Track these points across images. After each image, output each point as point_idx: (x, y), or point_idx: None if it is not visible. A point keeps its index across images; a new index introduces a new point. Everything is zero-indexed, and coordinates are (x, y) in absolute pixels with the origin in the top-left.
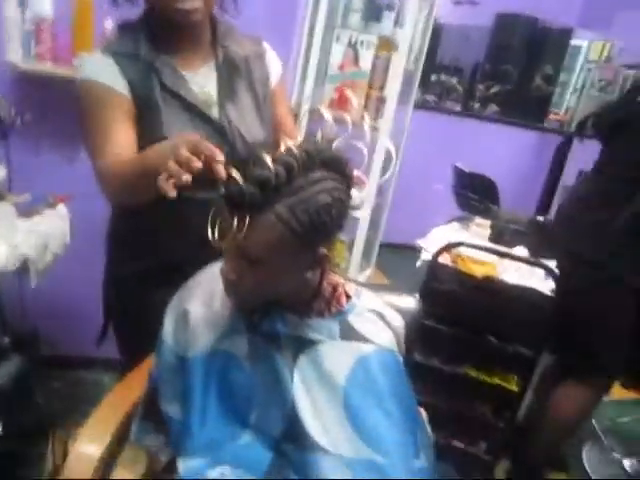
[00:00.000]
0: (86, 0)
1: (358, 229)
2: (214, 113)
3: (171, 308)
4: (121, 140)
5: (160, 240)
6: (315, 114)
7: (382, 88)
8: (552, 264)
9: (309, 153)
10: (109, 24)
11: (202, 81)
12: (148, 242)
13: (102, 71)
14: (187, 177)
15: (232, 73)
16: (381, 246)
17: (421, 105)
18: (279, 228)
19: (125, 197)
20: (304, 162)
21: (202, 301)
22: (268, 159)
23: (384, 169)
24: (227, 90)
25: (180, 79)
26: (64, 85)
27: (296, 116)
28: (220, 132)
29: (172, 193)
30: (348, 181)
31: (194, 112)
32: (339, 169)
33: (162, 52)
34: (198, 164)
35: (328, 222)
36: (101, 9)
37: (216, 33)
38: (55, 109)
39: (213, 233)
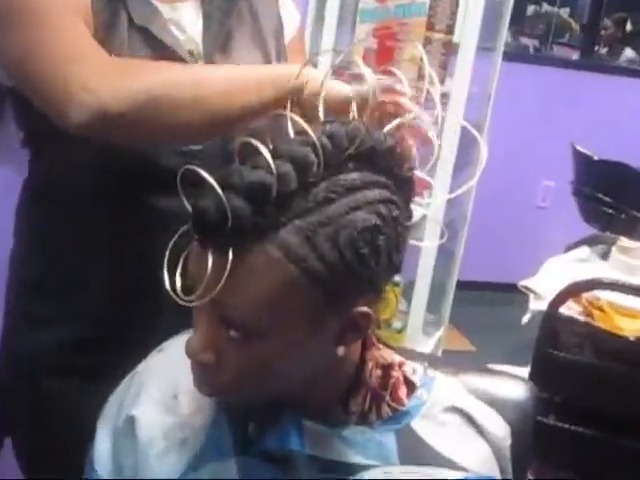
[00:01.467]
0: None
1: (421, 265)
2: None
3: (107, 414)
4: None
5: (94, 285)
6: (341, 74)
7: (451, 29)
8: None
9: (337, 140)
10: None
11: (184, 21)
12: (75, 289)
13: None
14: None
15: (228, 15)
16: (458, 289)
17: (515, 54)
18: (287, 271)
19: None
20: (329, 156)
21: (158, 401)
22: (266, 152)
23: (459, 161)
24: (219, 39)
25: (153, 12)
26: None
27: None
28: None
29: None
30: (405, 188)
31: (173, 61)
32: (388, 168)
33: None
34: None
35: (371, 258)
36: None
37: None
38: None
39: (173, 281)
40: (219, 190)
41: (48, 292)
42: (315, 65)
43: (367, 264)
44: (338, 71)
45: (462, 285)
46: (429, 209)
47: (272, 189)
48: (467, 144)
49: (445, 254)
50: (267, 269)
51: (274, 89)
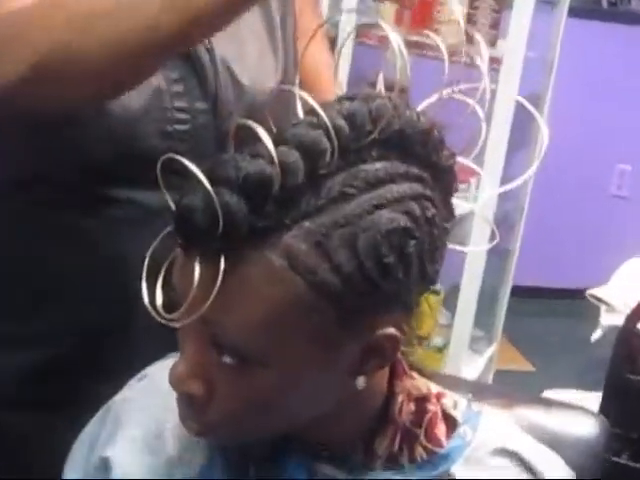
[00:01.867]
0: None
1: (467, 267)
2: None
3: (76, 456)
4: None
5: (59, 299)
6: (368, 36)
7: None
8: None
9: (357, 122)
10: None
11: None
12: (36, 304)
13: None
14: None
15: None
16: (513, 296)
17: (583, 9)
18: (292, 284)
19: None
20: (347, 141)
21: (138, 439)
22: (267, 137)
23: (514, 144)
24: None
25: None
26: None
27: (332, 45)
28: (197, 71)
29: None
30: (443, 181)
31: None
32: (423, 155)
33: None
34: None
35: (399, 269)
36: None
37: None
38: None
39: (152, 296)
40: (207, 184)
41: (4, 307)
42: (335, 27)
43: (393, 276)
44: (362, 33)
45: (518, 292)
46: (477, 204)
47: (274, 183)
48: (523, 122)
49: (497, 254)
50: (267, 282)
51: None
